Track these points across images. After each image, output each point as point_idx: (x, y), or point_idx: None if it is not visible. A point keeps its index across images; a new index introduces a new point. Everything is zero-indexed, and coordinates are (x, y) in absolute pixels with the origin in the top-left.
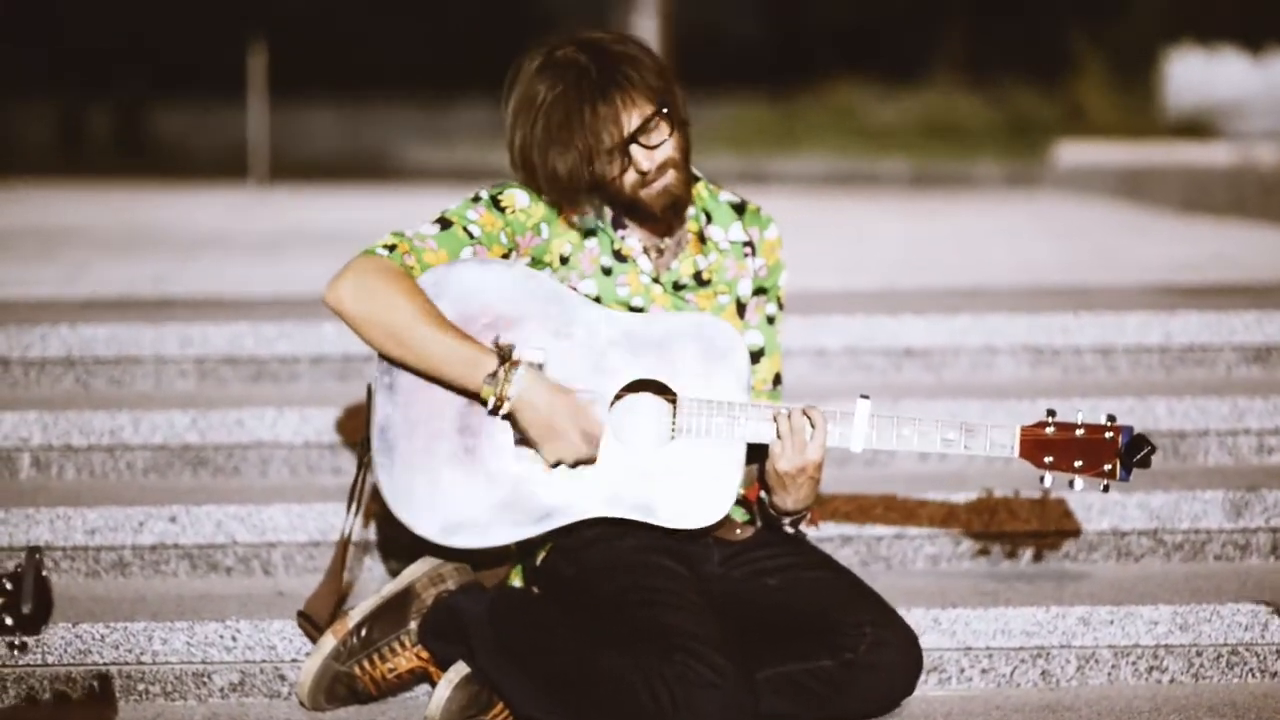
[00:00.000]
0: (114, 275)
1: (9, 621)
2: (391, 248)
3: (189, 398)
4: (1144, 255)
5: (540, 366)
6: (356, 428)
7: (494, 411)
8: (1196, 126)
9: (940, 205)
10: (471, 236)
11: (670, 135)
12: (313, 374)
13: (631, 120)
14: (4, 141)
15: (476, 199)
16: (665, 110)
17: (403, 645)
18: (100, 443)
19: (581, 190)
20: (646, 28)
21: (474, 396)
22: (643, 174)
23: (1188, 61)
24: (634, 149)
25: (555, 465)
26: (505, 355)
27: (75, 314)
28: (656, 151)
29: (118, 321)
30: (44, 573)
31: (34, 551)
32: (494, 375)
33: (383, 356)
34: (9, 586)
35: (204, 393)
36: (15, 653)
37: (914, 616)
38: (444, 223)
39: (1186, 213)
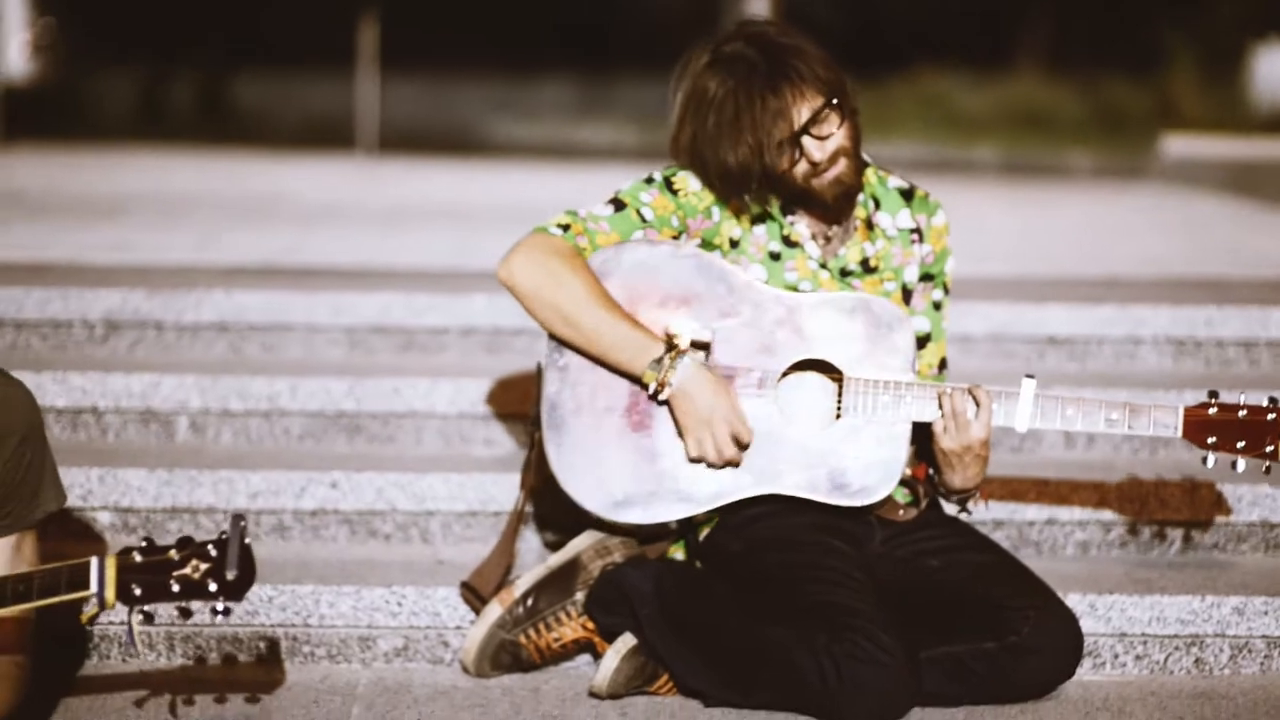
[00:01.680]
0: (245, 243)
1: (213, 588)
2: (565, 227)
3: (340, 366)
4: (1268, 250)
5: (707, 345)
6: (510, 400)
7: (653, 396)
8: None
9: (1046, 195)
10: (644, 220)
11: (840, 125)
12: (462, 346)
13: (802, 113)
14: (89, 108)
15: (650, 180)
16: (835, 101)
17: (568, 615)
18: (258, 407)
19: (752, 183)
20: (757, 9)
21: (636, 380)
22: (814, 164)
23: (1274, 57)
24: (805, 140)
25: (695, 460)
26: (672, 344)
27: (224, 280)
28: (828, 142)
29: (269, 289)
30: (246, 540)
31: (239, 519)
32: (659, 361)
33: (551, 335)
34: (214, 553)
35: (354, 361)
36: (218, 618)
37: (1070, 602)
38: (618, 204)
39: None
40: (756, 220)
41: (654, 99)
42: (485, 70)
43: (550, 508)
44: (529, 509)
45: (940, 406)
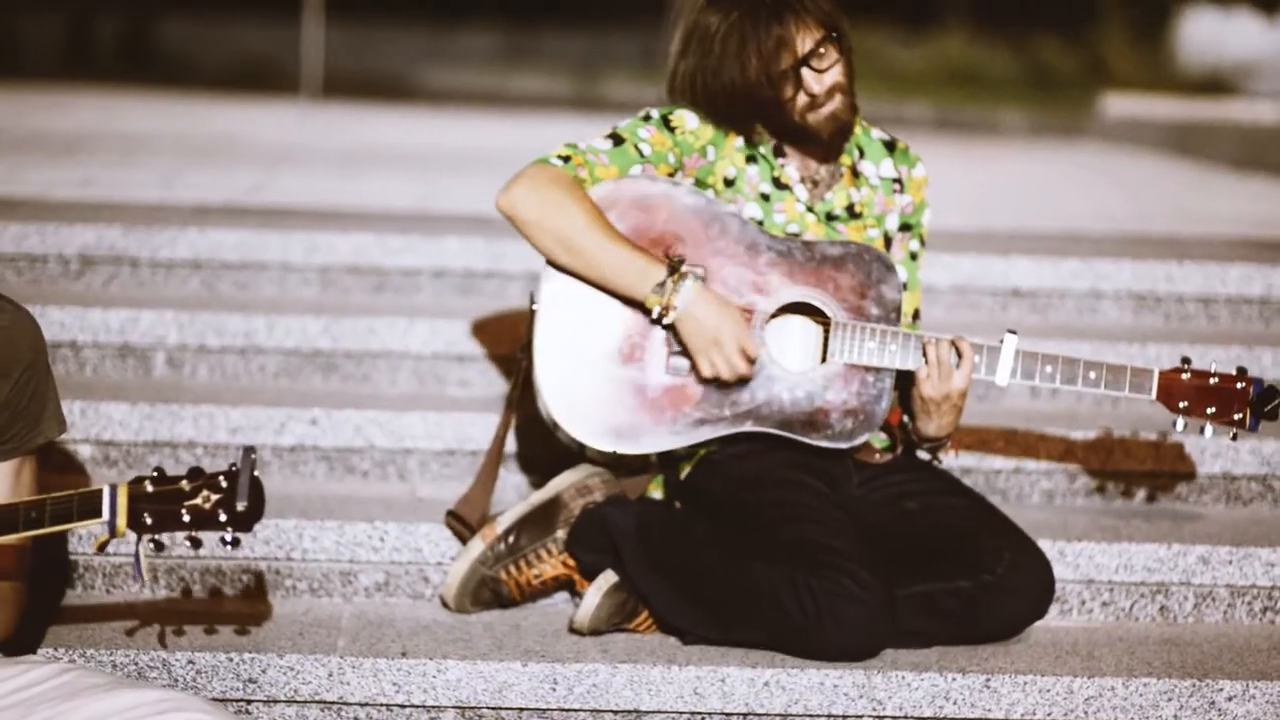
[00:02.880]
0: (210, 182)
1: (223, 518)
2: (566, 159)
3: (314, 305)
4: (1218, 209)
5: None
6: (484, 341)
7: (658, 320)
8: (1214, 84)
9: (987, 153)
10: (642, 155)
11: (839, 60)
12: (434, 287)
13: (804, 44)
14: (18, 48)
15: (647, 118)
16: (835, 34)
17: (549, 552)
18: (234, 344)
19: (753, 113)
20: None
21: (639, 306)
22: (812, 97)
23: (1202, 20)
24: (805, 72)
25: (709, 380)
26: (675, 267)
27: (197, 218)
28: (826, 75)
29: (243, 227)
30: (256, 473)
31: (249, 451)
32: (662, 285)
33: (550, 263)
34: (224, 484)
35: (328, 300)
36: (226, 548)
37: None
38: (616, 139)
39: (1240, 169)
40: (749, 161)
41: (579, 50)
42: (411, 18)
43: (532, 447)
44: (511, 448)
45: (925, 356)
